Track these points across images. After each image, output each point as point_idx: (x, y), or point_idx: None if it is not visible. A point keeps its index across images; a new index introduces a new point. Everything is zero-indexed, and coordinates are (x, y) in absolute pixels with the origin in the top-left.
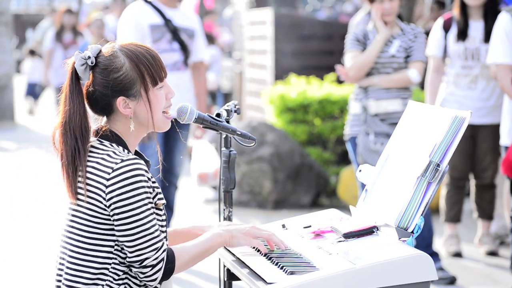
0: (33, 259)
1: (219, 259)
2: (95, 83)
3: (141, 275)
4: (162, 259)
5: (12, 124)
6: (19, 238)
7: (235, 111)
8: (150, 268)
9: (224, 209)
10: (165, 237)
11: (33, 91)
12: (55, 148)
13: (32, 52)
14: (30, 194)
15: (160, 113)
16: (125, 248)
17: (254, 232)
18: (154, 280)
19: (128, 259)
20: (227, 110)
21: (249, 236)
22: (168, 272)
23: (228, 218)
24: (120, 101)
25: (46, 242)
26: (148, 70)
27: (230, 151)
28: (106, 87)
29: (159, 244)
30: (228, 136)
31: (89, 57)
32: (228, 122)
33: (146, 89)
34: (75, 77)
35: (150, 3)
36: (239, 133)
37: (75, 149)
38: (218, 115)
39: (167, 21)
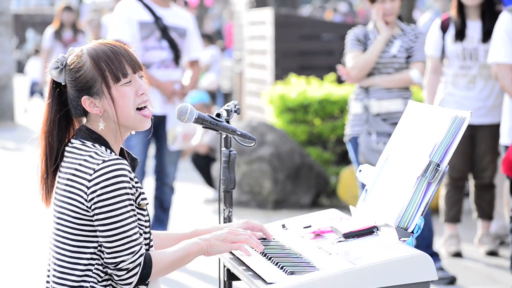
0: (33, 259)
1: (219, 259)
2: (67, 84)
3: (116, 278)
4: (139, 264)
5: (12, 124)
6: (19, 238)
7: (235, 111)
8: (125, 272)
9: (224, 209)
10: (149, 238)
11: (35, 90)
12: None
13: (37, 52)
14: (30, 194)
15: (129, 110)
16: (103, 248)
17: (231, 237)
18: (129, 284)
19: (104, 260)
20: (227, 110)
21: (227, 242)
22: (144, 277)
23: (228, 218)
24: (84, 100)
25: (46, 242)
26: (108, 66)
27: (230, 151)
28: (71, 87)
29: (137, 248)
30: (228, 136)
31: (58, 60)
32: (228, 122)
33: (107, 86)
34: (53, 82)
35: (141, 1)
36: (239, 133)
37: (46, 155)
38: (218, 115)
39: (157, 19)
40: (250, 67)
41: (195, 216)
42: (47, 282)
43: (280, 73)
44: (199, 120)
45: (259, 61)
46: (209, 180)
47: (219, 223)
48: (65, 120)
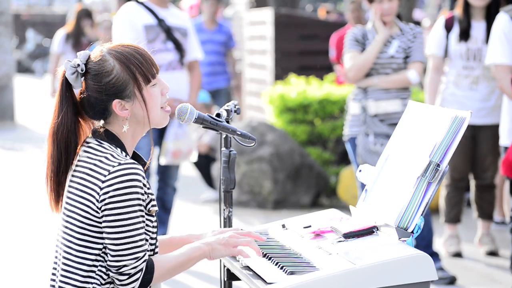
0: (32, 259)
1: (220, 259)
2: (88, 89)
3: (117, 282)
4: (141, 270)
5: (12, 124)
6: (19, 238)
7: (235, 111)
8: (126, 277)
9: (224, 209)
10: (155, 243)
11: None
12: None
13: None
14: (30, 194)
15: (157, 110)
16: (107, 250)
17: (233, 241)
18: None
19: (107, 263)
20: (227, 110)
21: (229, 246)
22: (146, 282)
23: (228, 218)
24: (115, 104)
25: (45, 242)
26: (139, 69)
27: (230, 151)
28: (99, 92)
29: (141, 254)
30: (228, 136)
31: (78, 65)
32: (228, 122)
33: (139, 88)
34: (66, 86)
35: (142, 4)
36: (239, 133)
37: (59, 162)
38: (218, 115)
39: (160, 21)
40: (250, 67)
41: (195, 216)
42: (53, 280)
43: (280, 73)
44: (199, 120)
45: (259, 61)
46: (209, 180)
47: (219, 223)
48: (74, 122)
